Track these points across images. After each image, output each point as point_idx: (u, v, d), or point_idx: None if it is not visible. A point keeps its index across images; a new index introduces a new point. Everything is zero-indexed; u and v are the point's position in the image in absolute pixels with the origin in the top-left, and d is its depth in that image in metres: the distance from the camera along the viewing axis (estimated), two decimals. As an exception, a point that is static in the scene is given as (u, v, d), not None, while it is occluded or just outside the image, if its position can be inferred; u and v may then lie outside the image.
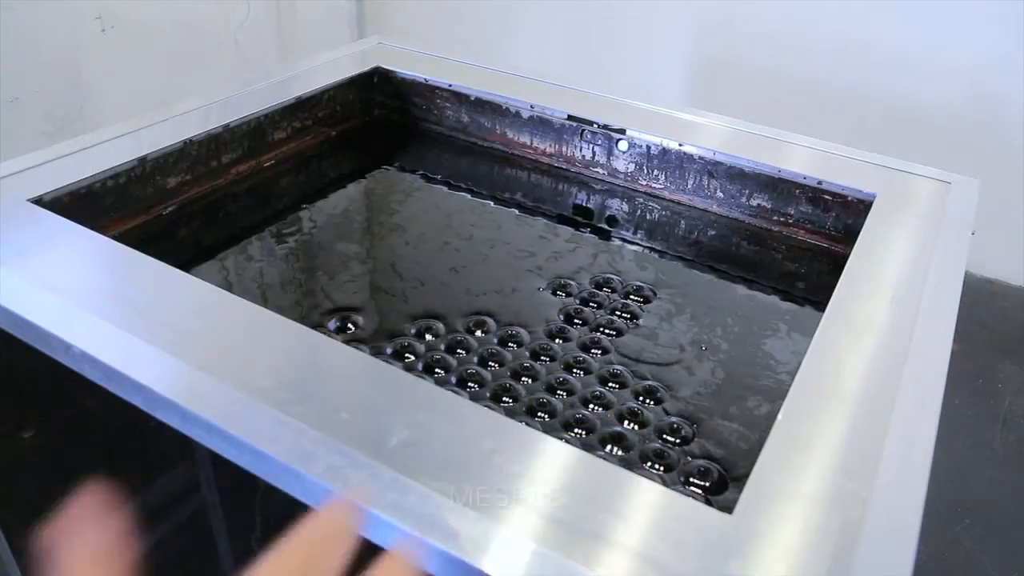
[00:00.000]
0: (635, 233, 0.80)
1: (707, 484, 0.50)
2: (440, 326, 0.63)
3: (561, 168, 0.89)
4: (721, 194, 0.80)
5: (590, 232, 0.79)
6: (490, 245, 0.75)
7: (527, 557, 0.36)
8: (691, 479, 0.50)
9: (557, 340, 0.62)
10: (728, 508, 0.39)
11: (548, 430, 0.53)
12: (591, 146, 0.86)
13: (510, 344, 0.62)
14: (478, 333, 0.63)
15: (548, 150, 0.89)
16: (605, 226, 0.81)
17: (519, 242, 0.76)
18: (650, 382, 0.58)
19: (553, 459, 0.42)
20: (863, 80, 1.88)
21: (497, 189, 0.86)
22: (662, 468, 0.51)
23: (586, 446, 0.52)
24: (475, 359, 0.60)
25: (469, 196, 0.84)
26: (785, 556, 0.37)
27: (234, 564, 0.84)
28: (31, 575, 0.71)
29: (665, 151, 0.81)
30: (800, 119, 1.94)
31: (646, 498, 0.40)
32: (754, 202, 0.78)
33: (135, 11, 1.86)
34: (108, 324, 0.50)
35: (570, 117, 0.86)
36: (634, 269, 0.73)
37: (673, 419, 0.55)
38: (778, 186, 0.76)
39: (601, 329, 0.64)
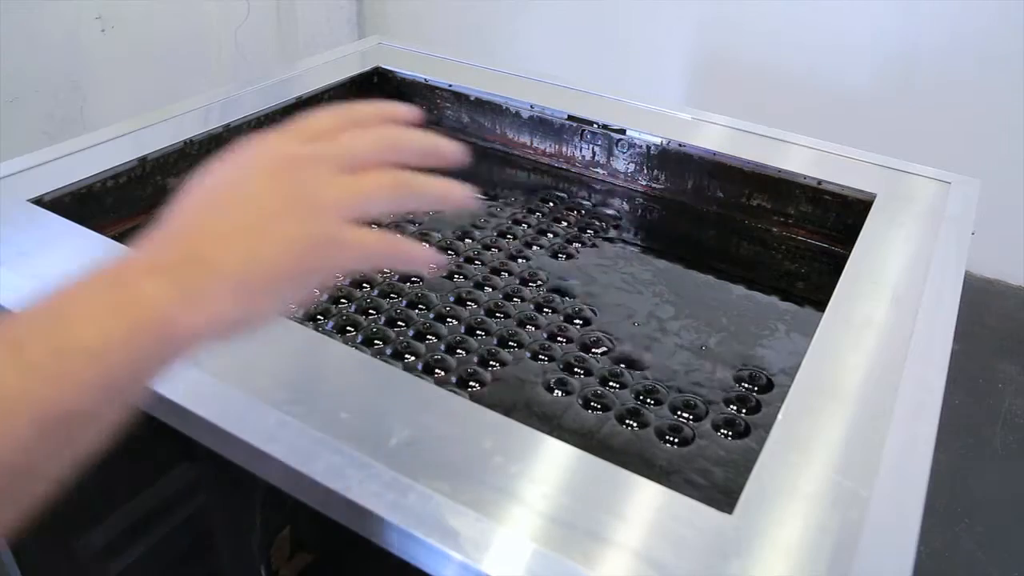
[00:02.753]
0: (635, 233, 0.80)
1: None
2: (442, 328, 0.63)
3: (561, 168, 0.89)
4: (721, 194, 0.80)
5: (589, 232, 0.79)
6: (487, 248, 0.75)
7: (527, 557, 0.36)
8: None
9: (559, 339, 0.62)
10: (728, 507, 0.39)
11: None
12: (591, 146, 0.86)
13: (511, 344, 0.62)
14: (478, 333, 0.63)
15: (548, 150, 0.89)
16: (605, 226, 0.80)
17: (517, 245, 0.76)
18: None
19: (553, 459, 0.42)
20: (863, 79, 1.88)
21: (497, 189, 0.86)
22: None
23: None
24: (475, 359, 0.60)
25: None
26: (785, 556, 0.37)
27: (234, 564, 0.84)
28: (31, 575, 0.71)
29: (665, 151, 0.81)
30: (800, 118, 1.94)
31: (646, 498, 0.40)
32: (754, 202, 0.78)
33: (135, 11, 1.86)
34: (108, 324, 0.50)
35: (570, 117, 0.86)
36: (633, 270, 0.73)
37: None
38: (778, 186, 0.76)
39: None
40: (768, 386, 0.59)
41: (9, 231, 0.60)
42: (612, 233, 0.79)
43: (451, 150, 0.37)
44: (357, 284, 0.68)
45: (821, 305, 0.57)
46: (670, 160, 0.81)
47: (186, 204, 0.33)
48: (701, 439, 0.53)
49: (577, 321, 0.65)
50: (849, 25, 1.85)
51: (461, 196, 0.36)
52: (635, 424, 0.55)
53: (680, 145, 0.80)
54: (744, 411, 0.56)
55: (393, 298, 0.66)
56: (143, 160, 0.72)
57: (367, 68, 0.96)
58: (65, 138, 0.74)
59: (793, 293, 0.71)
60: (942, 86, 1.82)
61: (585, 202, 0.84)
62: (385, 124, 0.36)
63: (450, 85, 0.93)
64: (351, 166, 0.34)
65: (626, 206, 0.84)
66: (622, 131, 0.83)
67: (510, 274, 0.71)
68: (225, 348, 0.49)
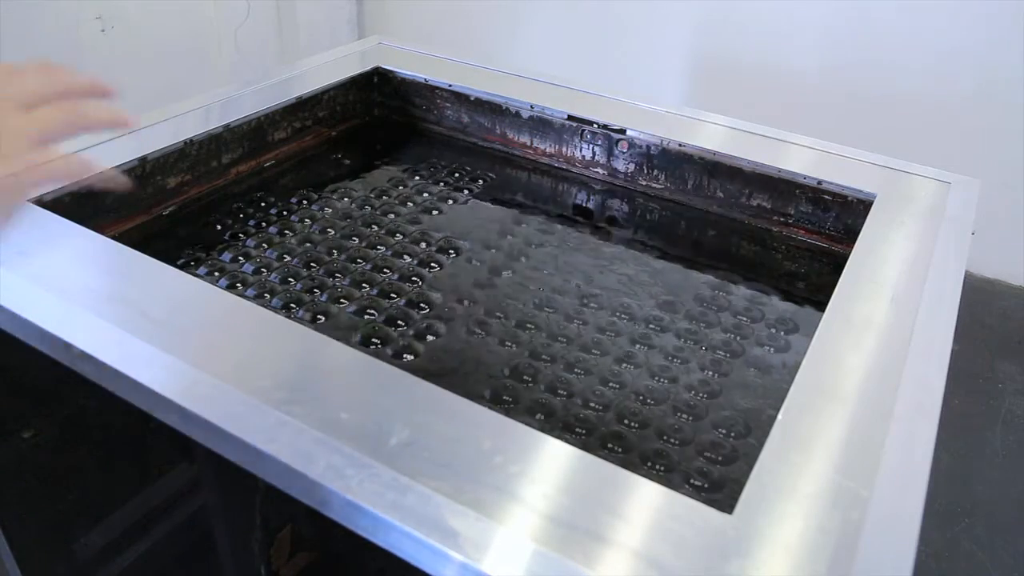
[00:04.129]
0: (634, 232, 0.80)
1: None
2: (442, 327, 0.63)
3: (561, 168, 0.89)
4: (721, 194, 0.80)
5: (589, 232, 0.79)
6: (486, 247, 0.75)
7: (527, 557, 0.36)
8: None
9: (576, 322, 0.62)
10: (728, 507, 0.39)
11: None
12: (591, 146, 0.86)
13: (510, 343, 0.62)
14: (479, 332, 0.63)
15: (548, 150, 0.89)
16: (605, 226, 0.81)
17: (518, 245, 0.76)
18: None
19: (553, 459, 0.42)
20: (864, 79, 1.88)
21: (497, 189, 0.86)
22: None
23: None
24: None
25: (467, 194, 0.84)
26: (785, 556, 0.37)
27: (234, 564, 0.84)
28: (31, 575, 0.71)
29: (665, 151, 0.81)
30: (800, 118, 1.94)
31: (646, 498, 0.40)
32: (754, 202, 0.78)
33: (135, 11, 1.86)
34: (108, 324, 0.50)
35: (570, 117, 0.86)
36: (631, 270, 0.73)
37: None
38: (778, 186, 0.76)
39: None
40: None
41: (9, 231, 0.59)
42: (611, 233, 0.79)
43: (102, 87, 0.43)
44: (357, 284, 0.68)
45: (821, 305, 0.57)
46: (670, 160, 0.81)
47: None
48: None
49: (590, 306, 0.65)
50: (849, 26, 1.85)
51: (127, 118, 0.43)
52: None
53: (680, 145, 0.80)
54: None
55: (393, 298, 0.66)
56: (143, 160, 0.72)
57: (367, 68, 0.96)
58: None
59: (793, 293, 0.71)
60: (942, 86, 1.82)
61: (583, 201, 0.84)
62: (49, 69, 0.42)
63: (450, 85, 0.93)
64: (28, 103, 0.39)
65: (626, 206, 0.84)
66: (622, 131, 0.83)
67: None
68: (225, 348, 0.49)
